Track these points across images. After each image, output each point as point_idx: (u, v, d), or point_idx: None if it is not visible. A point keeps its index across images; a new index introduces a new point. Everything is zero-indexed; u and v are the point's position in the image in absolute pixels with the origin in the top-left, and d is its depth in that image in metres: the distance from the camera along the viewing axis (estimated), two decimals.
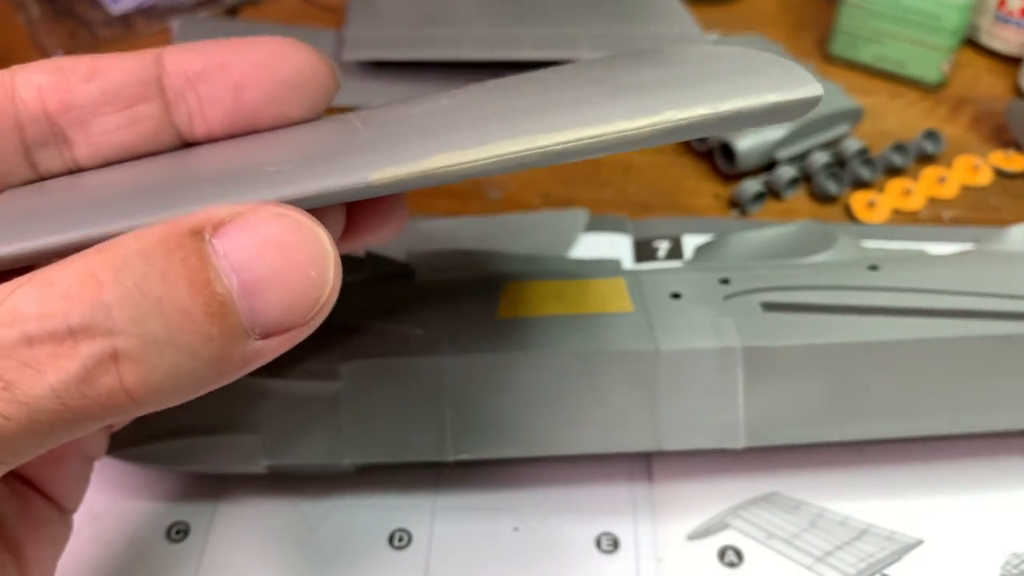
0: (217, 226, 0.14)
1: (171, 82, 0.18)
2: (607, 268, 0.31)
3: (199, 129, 0.19)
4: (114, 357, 0.13)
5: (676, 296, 0.28)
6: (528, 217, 0.38)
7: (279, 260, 0.14)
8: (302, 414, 0.26)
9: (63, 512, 0.20)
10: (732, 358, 0.26)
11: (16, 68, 0.18)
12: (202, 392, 0.15)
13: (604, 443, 0.26)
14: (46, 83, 0.17)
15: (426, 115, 0.18)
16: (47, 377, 0.12)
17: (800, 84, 0.16)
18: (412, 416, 0.26)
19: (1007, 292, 0.27)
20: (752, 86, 0.16)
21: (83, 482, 0.21)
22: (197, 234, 0.14)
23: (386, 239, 0.22)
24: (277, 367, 0.26)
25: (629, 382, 0.26)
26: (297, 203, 0.15)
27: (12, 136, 0.18)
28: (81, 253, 0.13)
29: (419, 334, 0.26)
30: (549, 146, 0.15)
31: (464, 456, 0.26)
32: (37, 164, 0.18)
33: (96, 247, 0.13)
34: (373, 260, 0.29)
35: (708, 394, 0.26)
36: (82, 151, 0.18)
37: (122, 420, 0.14)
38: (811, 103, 0.16)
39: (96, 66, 0.18)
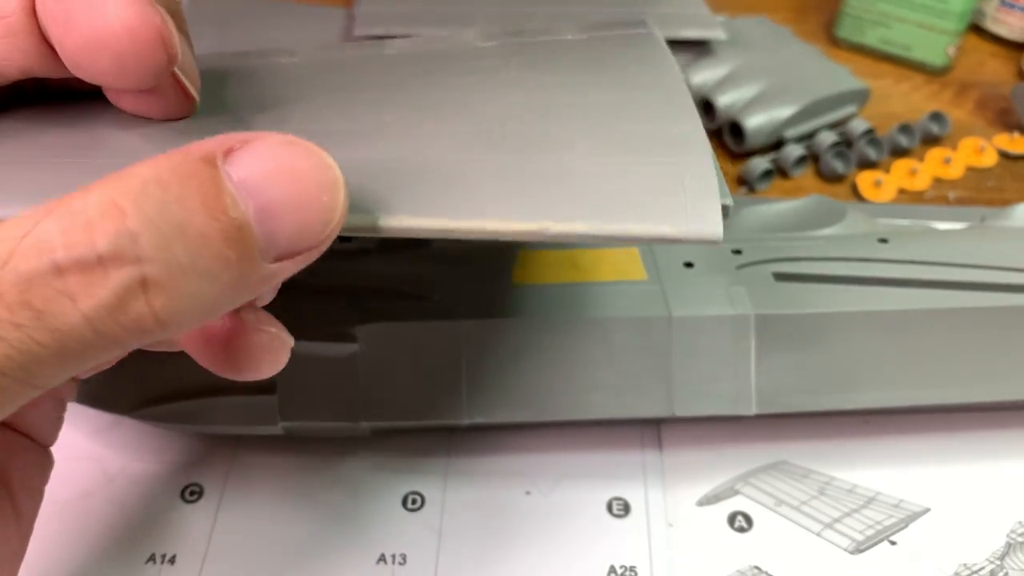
0: (228, 153, 0.14)
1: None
2: None
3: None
4: (143, 284, 0.13)
5: (689, 265, 0.28)
6: None
7: (293, 185, 0.14)
8: (319, 376, 0.26)
9: (41, 447, 0.21)
10: (745, 325, 0.26)
11: None
12: (219, 315, 0.15)
13: (618, 408, 0.26)
14: None
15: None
16: (80, 305, 0.13)
17: (702, 221, 0.15)
18: (428, 379, 0.26)
19: (1013, 265, 0.28)
20: (651, 210, 0.16)
21: (56, 420, 0.21)
22: (210, 160, 0.14)
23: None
24: (294, 328, 0.26)
25: (643, 348, 0.26)
26: None
27: None
28: (97, 182, 0.13)
29: (435, 298, 0.27)
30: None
31: (479, 419, 0.26)
32: None
33: (110, 176, 0.13)
34: None
35: (721, 361, 0.26)
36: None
37: (145, 344, 0.14)
38: (708, 242, 0.16)
39: None
